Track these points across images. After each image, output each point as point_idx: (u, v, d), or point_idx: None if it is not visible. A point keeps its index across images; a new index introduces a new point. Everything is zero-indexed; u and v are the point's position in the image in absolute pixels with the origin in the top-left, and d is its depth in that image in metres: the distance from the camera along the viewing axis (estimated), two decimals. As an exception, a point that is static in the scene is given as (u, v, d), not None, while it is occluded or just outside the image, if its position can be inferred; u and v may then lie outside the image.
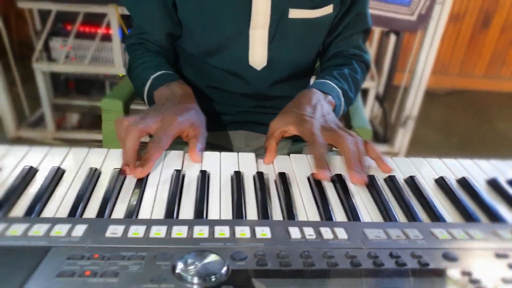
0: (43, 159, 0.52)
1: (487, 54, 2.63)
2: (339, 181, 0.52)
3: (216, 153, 0.56)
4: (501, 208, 0.50)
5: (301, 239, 0.39)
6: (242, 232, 0.39)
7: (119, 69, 1.59)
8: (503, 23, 2.55)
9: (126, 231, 0.38)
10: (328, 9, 0.67)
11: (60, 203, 0.44)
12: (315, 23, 0.68)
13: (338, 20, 0.71)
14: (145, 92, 0.66)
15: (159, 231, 0.38)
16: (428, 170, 0.57)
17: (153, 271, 0.33)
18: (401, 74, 1.74)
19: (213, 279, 0.33)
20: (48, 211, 0.43)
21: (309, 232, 0.40)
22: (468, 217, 0.48)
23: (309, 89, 0.64)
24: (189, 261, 0.34)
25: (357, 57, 0.74)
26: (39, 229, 0.37)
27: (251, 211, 0.46)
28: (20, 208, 0.43)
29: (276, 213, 0.46)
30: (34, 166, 0.49)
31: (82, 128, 1.83)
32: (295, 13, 0.66)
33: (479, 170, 0.58)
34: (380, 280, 0.35)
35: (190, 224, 0.40)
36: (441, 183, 0.54)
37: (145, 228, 0.39)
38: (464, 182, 0.54)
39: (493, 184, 0.55)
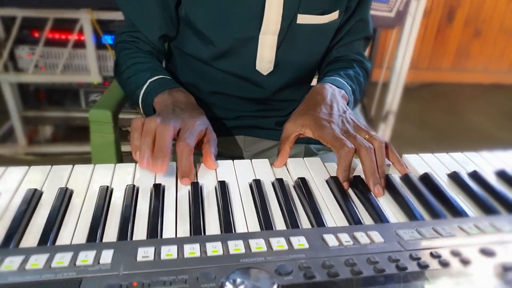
0: (46, 179, 0.48)
1: (453, 48, 2.75)
2: (358, 183, 0.51)
3: (229, 161, 0.54)
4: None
5: (339, 246, 0.38)
6: (279, 244, 0.38)
7: (94, 77, 1.53)
8: (466, 17, 2.67)
9: (158, 253, 0.35)
10: (334, 15, 0.67)
11: (75, 227, 0.41)
12: (322, 29, 0.68)
13: (341, 25, 0.71)
14: (141, 95, 0.63)
15: (193, 250, 0.36)
16: (438, 165, 0.58)
17: (200, 295, 0.31)
18: (379, 70, 1.78)
19: (265, 298, 0.31)
20: (64, 238, 0.39)
21: (345, 238, 0.39)
22: (487, 210, 0.48)
23: (322, 84, 0.62)
24: (238, 280, 0.32)
25: (358, 62, 0.74)
26: (62, 259, 0.34)
27: (278, 220, 0.44)
28: (31, 237, 0.39)
29: (304, 220, 0.45)
30: (38, 188, 0.45)
31: (57, 141, 1.74)
32: (303, 19, 0.65)
33: (485, 162, 0.60)
34: (431, 281, 0.34)
35: (222, 239, 0.38)
36: (455, 177, 0.55)
37: (177, 248, 0.36)
38: (476, 176, 0.55)
39: (503, 175, 0.57)
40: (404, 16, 1.34)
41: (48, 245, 0.38)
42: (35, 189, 0.44)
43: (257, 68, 0.69)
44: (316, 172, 0.54)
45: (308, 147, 0.78)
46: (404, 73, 1.54)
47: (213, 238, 0.38)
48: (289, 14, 0.64)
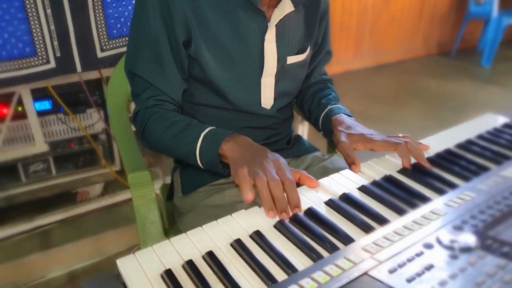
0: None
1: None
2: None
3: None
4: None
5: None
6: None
7: (41, 147, 1.44)
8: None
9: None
10: (308, 51, 0.90)
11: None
12: (302, 63, 0.90)
13: (313, 57, 0.95)
14: (198, 148, 0.70)
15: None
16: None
17: None
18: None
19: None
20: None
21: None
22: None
23: (339, 115, 0.84)
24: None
25: (328, 81, 1.02)
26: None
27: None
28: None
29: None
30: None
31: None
32: (291, 59, 0.86)
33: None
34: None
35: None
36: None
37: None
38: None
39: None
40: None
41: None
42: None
43: (263, 105, 0.87)
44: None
45: (315, 155, 0.97)
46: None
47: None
48: (281, 58, 0.84)
